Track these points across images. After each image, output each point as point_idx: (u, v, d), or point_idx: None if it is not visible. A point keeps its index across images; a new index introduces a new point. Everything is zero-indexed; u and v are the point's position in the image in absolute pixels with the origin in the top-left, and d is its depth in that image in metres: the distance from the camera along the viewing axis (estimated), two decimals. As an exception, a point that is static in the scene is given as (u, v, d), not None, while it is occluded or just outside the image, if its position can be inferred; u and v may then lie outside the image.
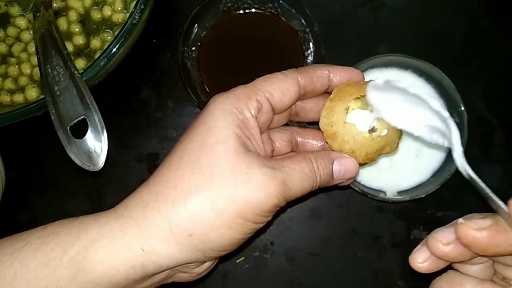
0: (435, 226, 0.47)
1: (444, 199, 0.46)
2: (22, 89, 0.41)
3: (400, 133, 0.30)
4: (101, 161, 0.30)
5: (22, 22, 0.42)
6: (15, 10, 0.42)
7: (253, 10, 0.45)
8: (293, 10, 0.44)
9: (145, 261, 0.25)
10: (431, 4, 0.49)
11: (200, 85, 0.45)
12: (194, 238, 0.25)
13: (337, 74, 0.30)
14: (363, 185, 0.43)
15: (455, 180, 0.39)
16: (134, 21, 0.34)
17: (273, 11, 0.45)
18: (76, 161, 0.30)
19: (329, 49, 0.44)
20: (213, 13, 0.44)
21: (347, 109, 0.29)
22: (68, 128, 0.31)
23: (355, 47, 0.48)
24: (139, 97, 0.48)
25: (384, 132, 0.29)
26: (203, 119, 0.27)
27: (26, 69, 0.41)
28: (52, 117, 0.32)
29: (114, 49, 0.34)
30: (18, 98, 0.41)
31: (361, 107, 0.30)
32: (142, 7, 0.33)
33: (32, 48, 0.41)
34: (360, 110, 0.30)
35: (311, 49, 0.45)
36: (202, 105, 0.44)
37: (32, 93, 0.41)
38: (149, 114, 0.49)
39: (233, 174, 0.25)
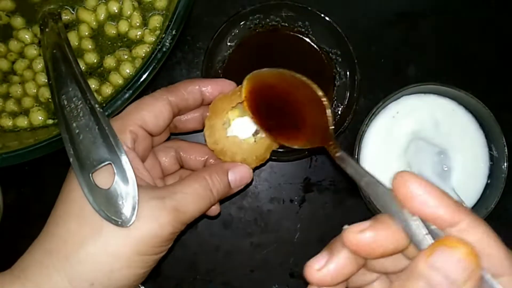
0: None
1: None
2: (26, 112, 0.37)
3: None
4: (132, 216, 0.26)
5: (26, 35, 0.37)
6: (18, 22, 0.37)
7: (282, 28, 0.42)
8: (325, 30, 0.41)
9: None
10: (464, 26, 0.46)
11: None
12: (96, 286, 0.25)
13: (208, 88, 0.31)
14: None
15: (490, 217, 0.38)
16: (164, 49, 0.30)
17: (303, 29, 0.42)
18: (102, 214, 0.26)
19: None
20: (239, 30, 0.41)
21: (225, 123, 0.31)
22: (90, 175, 0.27)
23: (385, 68, 0.45)
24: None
25: (263, 134, 0.31)
26: None
27: (31, 89, 0.37)
28: (71, 159, 0.28)
29: (141, 80, 0.30)
30: (22, 122, 0.36)
31: (240, 115, 0.31)
32: (173, 32, 0.29)
33: (37, 66, 0.37)
34: (239, 119, 0.31)
35: (342, 71, 0.41)
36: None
37: (38, 117, 0.36)
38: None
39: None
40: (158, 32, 0.38)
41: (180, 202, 0.26)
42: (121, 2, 0.38)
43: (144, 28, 0.38)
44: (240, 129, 0.31)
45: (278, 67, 0.41)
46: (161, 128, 0.30)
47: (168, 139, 0.34)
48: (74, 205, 0.26)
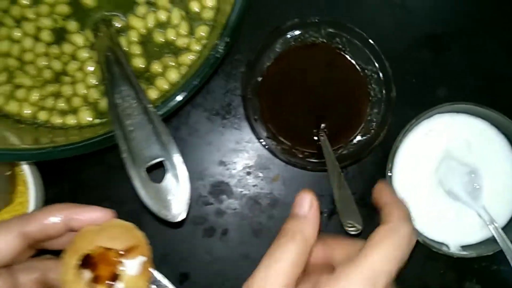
0: (489, 280, 0.46)
1: (502, 253, 0.44)
2: (74, 111, 0.38)
3: (149, 274, 0.27)
4: (182, 212, 0.27)
5: (79, 39, 0.39)
6: (72, 26, 0.39)
7: (320, 43, 0.43)
8: (362, 47, 0.42)
9: None
10: (495, 47, 0.47)
11: (260, 118, 0.42)
12: None
13: (75, 220, 0.27)
14: (425, 237, 0.41)
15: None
16: (218, 55, 0.31)
17: (340, 46, 0.43)
18: (154, 209, 0.27)
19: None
20: (279, 44, 0.42)
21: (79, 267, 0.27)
22: (144, 169, 0.28)
23: (415, 88, 0.46)
24: (188, 123, 0.46)
25: (119, 286, 0.27)
26: None
27: (81, 89, 0.38)
28: (124, 155, 0.29)
29: (194, 84, 0.31)
30: (70, 120, 0.38)
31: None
32: (227, 40, 0.31)
33: (87, 68, 0.39)
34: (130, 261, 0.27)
35: (377, 87, 0.43)
36: (259, 138, 0.41)
37: (86, 116, 0.38)
38: (199, 140, 0.46)
39: None
40: (204, 41, 0.39)
41: None
42: (169, 11, 0.40)
43: (191, 37, 0.39)
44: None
45: (315, 81, 0.43)
46: (9, 259, 0.26)
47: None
48: None
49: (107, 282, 0.26)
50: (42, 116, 0.38)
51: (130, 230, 0.28)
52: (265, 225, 0.45)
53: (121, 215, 0.37)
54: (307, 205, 0.26)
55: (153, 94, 0.38)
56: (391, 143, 0.42)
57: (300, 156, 0.42)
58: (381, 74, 0.42)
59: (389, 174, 0.41)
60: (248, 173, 0.46)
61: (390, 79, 0.41)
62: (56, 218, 0.27)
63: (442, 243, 0.41)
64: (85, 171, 0.46)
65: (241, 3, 0.30)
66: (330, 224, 0.46)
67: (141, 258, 0.27)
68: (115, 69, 0.32)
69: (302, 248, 0.25)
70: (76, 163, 0.46)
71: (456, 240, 0.41)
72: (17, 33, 0.39)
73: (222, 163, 0.46)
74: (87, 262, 0.26)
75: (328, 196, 0.46)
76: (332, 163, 0.39)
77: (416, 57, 0.47)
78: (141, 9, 0.40)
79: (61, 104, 0.38)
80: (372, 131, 0.42)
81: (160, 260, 0.45)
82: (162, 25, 0.40)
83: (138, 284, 0.27)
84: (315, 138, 0.42)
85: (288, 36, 0.42)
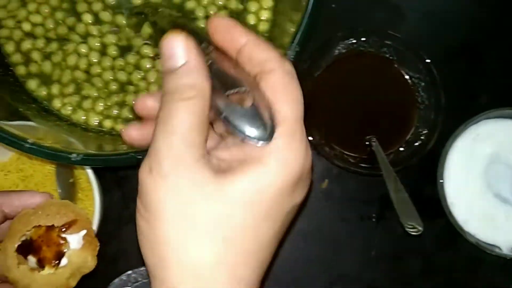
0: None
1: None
2: (138, 119, 0.40)
3: (93, 246, 0.28)
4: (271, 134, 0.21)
5: (146, 50, 0.41)
6: (138, 41, 0.41)
7: (368, 52, 0.45)
8: (409, 56, 0.44)
9: None
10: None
11: (308, 125, 0.44)
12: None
13: (10, 206, 0.27)
14: (478, 239, 0.42)
15: None
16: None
17: (387, 55, 0.45)
18: (246, 130, 0.21)
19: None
20: (330, 53, 0.44)
21: (15, 252, 0.27)
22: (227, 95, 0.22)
23: (456, 94, 0.48)
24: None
25: (64, 262, 0.27)
26: None
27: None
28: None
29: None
30: None
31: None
32: (297, 49, 0.33)
33: (151, 77, 0.40)
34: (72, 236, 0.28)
35: (425, 95, 0.44)
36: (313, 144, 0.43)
37: None
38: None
39: None
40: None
41: None
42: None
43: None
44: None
45: (364, 89, 0.45)
46: None
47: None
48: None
49: (52, 261, 0.26)
50: (107, 124, 0.39)
51: (67, 206, 0.28)
52: (318, 230, 0.46)
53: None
54: (181, 51, 0.21)
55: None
56: (433, 148, 0.43)
57: (352, 161, 0.43)
58: (429, 81, 0.43)
59: (441, 181, 0.42)
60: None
61: (438, 86, 0.43)
62: None
63: (494, 245, 0.42)
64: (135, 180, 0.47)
65: (311, 13, 0.32)
66: (379, 227, 0.47)
67: (82, 231, 0.27)
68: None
69: (200, 107, 0.20)
70: (129, 171, 0.48)
71: (508, 241, 0.42)
72: (83, 49, 0.41)
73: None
74: (28, 247, 0.26)
75: (376, 201, 0.47)
76: (387, 168, 0.40)
77: (456, 65, 0.48)
78: (200, 24, 0.41)
79: (126, 113, 0.40)
80: (422, 137, 0.43)
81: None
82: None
83: (84, 256, 0.27)
84: (366, 143, 0.43)
85: (339, 46, 0.44)
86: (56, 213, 0.27)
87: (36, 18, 0.40)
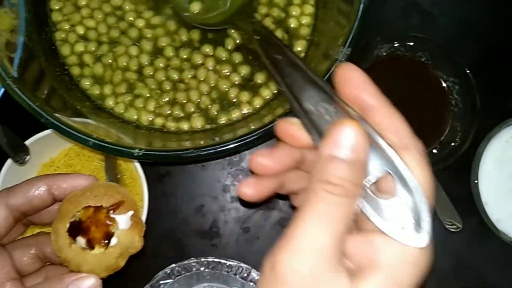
0: None
1: None
2: (188, 117, 0.42)
3: (140, 227, 0.28)
4: (427, 233, 0.20)
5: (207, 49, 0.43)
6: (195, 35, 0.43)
7: (404, 56, 0.46)
8: (443, 60, 0.45)
9: None
10: None
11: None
12: None
13: (58, 188, 0.27)
14: (510, 237, 0.43)
15: None
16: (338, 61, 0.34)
17: (423, 59, 0.46)
18: (390, 232, 0.20)
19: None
20: (368, 57, 0.45)
21: (68, 232, 0.27)
22: (369, 186, 0.21)
23: (491, 99, 0.49)
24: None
25: (114, 241, 0.27)
26: None
27: (194, 96, 0.42)
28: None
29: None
30: (184, 125, 0.41)
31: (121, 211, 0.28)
32: (348, 51, 0.34)
33: (201, 75, 0.42)
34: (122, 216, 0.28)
35: (459, 98, 0.46)
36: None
37: (197, 123, 0.41)
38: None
39: None
40: (302, 55, 0.43)
41: None
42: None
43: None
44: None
45: (399, 92, 0.46)
46: None
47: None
48: None
49: (102, 241, 0.27)
50: (159, 122, 0.41)
51: (113, 188, 0.28)
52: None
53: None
54: (352, 144, 0.20)
55: (257, 102, 0.42)
56: (466, 150, 0.44)
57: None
58: (463, 85, 0.45)
59: (476, 181, 0.43)
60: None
61: (473, 89, 0.44)
62: (39, 187, 0.27)
63: (527, 244, 0.43)
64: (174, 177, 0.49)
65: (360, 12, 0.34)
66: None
67: (129, 212, 0.27)
68: (292, 73, 0.26)
69: (350, 208, 0.20)
70: (171, 168, 0.49)
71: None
72: (134, 52, 0.43)
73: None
74: (78, 228, 0.27)
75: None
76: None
77: (491, 68, 0.50)
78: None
79: (176, 112, 0.42)
80: (457, 139, 0.45)
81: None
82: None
83: (132, 236, 0.27)
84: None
85: (377, 50, 0.45)
86: (103, 194, 0.27)
87: (90, 23, 0.43)
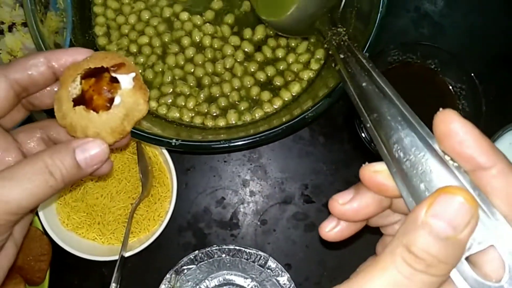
0: None
1: None
2: (224, 114, 0.45)
3: (143, 91, 0.27)
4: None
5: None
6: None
7: (414, 64, 0.50)
8: (452, 67, 0.49)
9: None
10: None
11: (361, 133, 0.49)
12: None
13: (56, 60, 0.26)
14: None
15: None
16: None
17: (432, 66, 0.50)
18: None
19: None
20: (380, 64, 0.49)
21: (72, 92, 0.26)
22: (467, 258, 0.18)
23: (496, 104, 0.52)
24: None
25: (117, 100, 0.26)
26: None
27: (227, 89, 0.46)
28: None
29: (339, 86, 0.38)
30: (220, 122, 0.45)
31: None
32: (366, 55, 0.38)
33: (236, 68, 0.46)
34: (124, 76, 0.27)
35: (466, 103, 0.49)
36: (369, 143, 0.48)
37: (232, 118, 0.45)
38: (301, 147, 0.53)
39: None
40: (322, 61, 0.46)
41: (2, 190, 0.23)
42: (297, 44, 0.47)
43: (310, 58, 0.47)
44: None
45: (410, 97, 0.50)
46: (1, 109, 0.26)
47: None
48: None
49: (106, 107, 0.26)
50: (198, 120, 0.45)
51: (113, 52, 0.29)
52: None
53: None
54: (451, 217, 0.17)
55: (277, 102, 0.46)
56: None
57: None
58: (470, 90, 0.48)
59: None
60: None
61: (479, 94, 0.48)
62: (38, 59, 0.26)
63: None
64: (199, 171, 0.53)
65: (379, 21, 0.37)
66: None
67: (131, 73, 0.26)
68: (378, 105, 0.23)
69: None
70: (196, 162, 0.53)
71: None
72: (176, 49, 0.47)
73: (321, 167, 0.53)
74: (80, 100, 0.26)
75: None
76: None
77: (496, 75, 0.53)
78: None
79: (214, 110, 0.45)
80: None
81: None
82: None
83: (136, 98, 0.26)
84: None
85: (389, 57, 0.49)
86: (104, 57, 0.27)
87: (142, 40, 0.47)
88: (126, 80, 0.26)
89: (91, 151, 0.25)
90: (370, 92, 0.24)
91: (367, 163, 0.22)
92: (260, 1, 0.43)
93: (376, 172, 0.21)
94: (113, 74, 0.26)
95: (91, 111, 0.26)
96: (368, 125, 0.23)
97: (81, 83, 0.26)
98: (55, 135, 0.28)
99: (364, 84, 0.25)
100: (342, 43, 0.32)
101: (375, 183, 0.21)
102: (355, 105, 0.24)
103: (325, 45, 0.34)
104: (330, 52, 0.32)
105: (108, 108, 0.26)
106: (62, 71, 0.26)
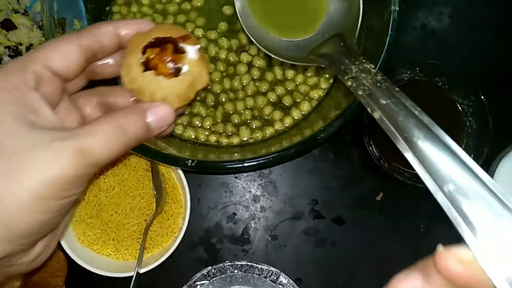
0: None
1: None
2: (238, 133, 0.46)
3: (206, 63, 0.28)
4: None
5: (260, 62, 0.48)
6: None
7: (422, 81, 0.51)
8: (459, 85, 0.50)
9: None
10: None
11: (370, 149, 0.50)
12: None
13: (123, 27, 0.28)
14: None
15: None
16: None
17: (439, 84, 0.51)
18: None
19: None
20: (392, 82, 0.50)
21: (141, 59, 0.27)
22: None
23: (504, 121, 0.53)
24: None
25: (185, 68, 0.27)
26: None
27: (240, 108, 0.47)
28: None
29: (351, 107, 0.39)
30: (234, 140, 0.46)
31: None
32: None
33: (249, 89, 0.47)
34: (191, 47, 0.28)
35: (473, 120, 0.50)
36: (378, 160, 0.49)
37: (244, 135, 0.46)
38: (311, 163, 0.54)
39: (17, 158, 0.23)
40: (331, 80, 0.47)
41: (84, 143, 0.24)
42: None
43: (319, 77, 0.48)
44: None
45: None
46: (71, 71, 0.27)
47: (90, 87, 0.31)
48: None
49: (170, 72, 0.27)
50: (213, 138, 0.46)
51: (177, 26, 0.29)
52: (372, 239, 0.52)
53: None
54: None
55: (287, 121, 0.47)
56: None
57: (408, 176, 0.49)
58: (477, 107, 0.49)
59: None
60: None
61: (486, 111, 0.48)
62: (108, 27, 0.28)
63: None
64: (209, 188, 0.54)
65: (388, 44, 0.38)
66: (426, 237, 0.52)
67: (197, 45, 0.27)
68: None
69: None
70: (207, 181, 0.54)
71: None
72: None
73: (330, 183, 0.53)
74: (146, 67, 0.27)
75: (423, 213, 0.52)
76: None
77: (504, 92, 0.54)
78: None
79: (229, 129, 0.46)
80: (471, 158, 0.49)
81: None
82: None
83: (200, 68, 0.27)
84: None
85: (398, 75, 0.50)
86: (169, 29, 0.28)
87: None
88: (192, 51, 0.27)
89: (160, 114, 0.27)
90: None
91: (441, 247, 0.18)
92: (260, 12, 0.37)
93: (463, 263, 0.17)
94: (181, 44, 0.27)
95: (161, 76, 0.27)
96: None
97: (145, 52, 0.27)
98: (112, 101, 0.30)
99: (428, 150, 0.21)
100: (378, 84, 0.27)
101: (463, 278, 0.17)
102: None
103: (348, 83, 0.29)
104: (361, 97, 0.27)
105: (175, 75, 0.27)
106: (127, 40, 0.28)
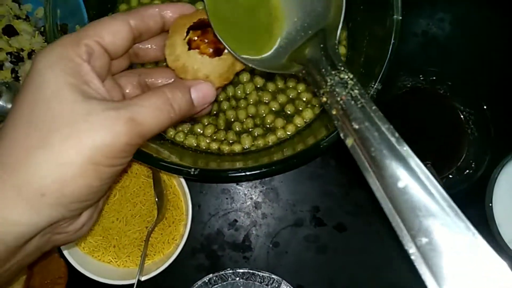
0: None
1: None
2: (239, 141, 0.46)
3: None
4: None
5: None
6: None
7: (425, 89, 0.51)
8: (461, 92, 0.50)
9: (2, 235, 0.24)
10: None
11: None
12: (48, 197, 0.24)
13: (168, 10, 0.30)
14: (523, 257, 0.47)
15: None
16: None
17: (441, 91, 0.51)
18: None
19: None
20: (392, 90, 0.50)
21: (186, 39, 0.29)
22: None
23: (505, 128, 0.53)
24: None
25: (226, 51, 0.29)
26: (30, 78, 0.25)
27: (242, 116, 0.46)
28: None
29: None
30: (236, 147, 0.46)
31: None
32: (379, 87, 0.39)
33: (251, 98, 0.47)
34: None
35: (474, 127, 0.50)
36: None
37: (246, 142, 0.46)
38: (312, 170, 0.54)
39: (73, 124, 0.24)
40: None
41: (136, 114, 0.25)
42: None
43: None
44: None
45: (420, 120, 0.51)
46: (119, 48, 0.28)
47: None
48: (23, 116, 0.25)
49: (211, 53, 0.28)
50: (214, 145, 0.46)
51: None
52: (373, 245, 0.52)
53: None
54: None
55: (290, 128, 0.46)
56: (481, 174, 0.49)
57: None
58: (478, 115, 0.49)
59: (490, 204, 0.47)
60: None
61: (487, 119, 0.49)
62: (154, 9, 0.29)
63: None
64: (213, 196, 0.54)
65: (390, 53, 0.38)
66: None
67: None
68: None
69: None
70: (213, 188, 0.54)
71: (551, 261, 0.47)
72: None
73: (331, 189, 0.53)
74: (188, 45, 0.28)
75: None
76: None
77: (501, 100, 0.54)
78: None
79: (231, 137, 0.46)
80: (472, 165, 0.49)
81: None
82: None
83: None
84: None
85: (400, 83, 0.50)
86: None
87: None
88: None
89: (203, 91, 0.29)
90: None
91: None
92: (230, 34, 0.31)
93: None
94: None
95: (205, 55, 0.28)
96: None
97: (188, 33, 0.29)
98: (152, 80, 0.31)
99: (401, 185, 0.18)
100: (353, 101, 0.23)
101: None
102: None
103: (323, 98, 0.25)
104: (335, 118, 0.24)
105: (217, 55, 0.28)
106: (170, 23, 0.30)
